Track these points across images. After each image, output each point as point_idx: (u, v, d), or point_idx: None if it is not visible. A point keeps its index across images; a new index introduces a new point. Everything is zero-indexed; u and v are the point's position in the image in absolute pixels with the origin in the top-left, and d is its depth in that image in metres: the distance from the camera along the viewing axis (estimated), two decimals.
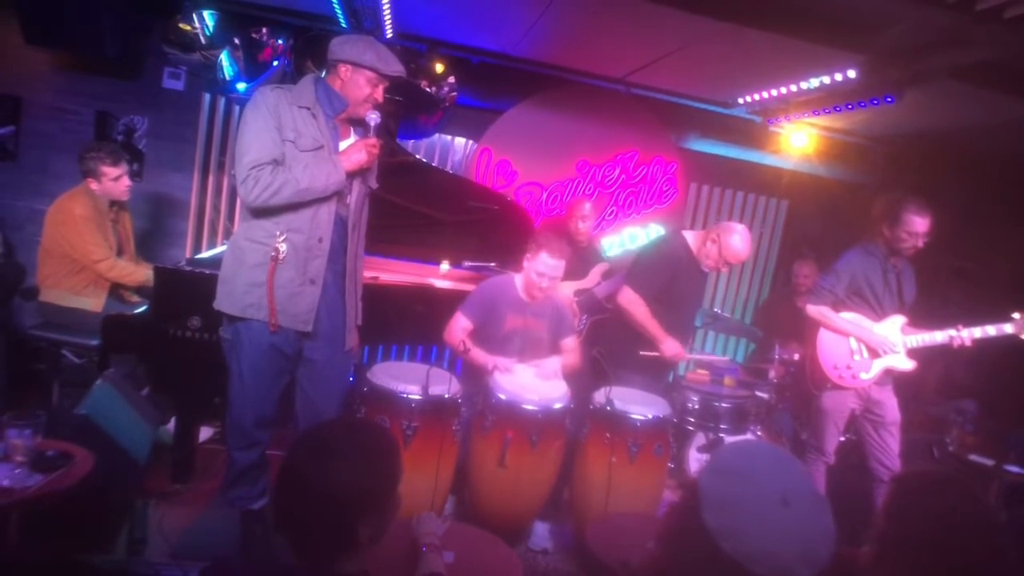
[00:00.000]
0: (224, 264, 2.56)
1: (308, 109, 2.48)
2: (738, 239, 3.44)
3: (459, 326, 3.30)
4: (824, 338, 3.49)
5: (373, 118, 2.53)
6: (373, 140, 2.53)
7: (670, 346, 3.48)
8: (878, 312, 3.44)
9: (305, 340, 2.59)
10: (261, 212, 2.45)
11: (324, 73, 2.57)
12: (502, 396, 2.92)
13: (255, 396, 2.56)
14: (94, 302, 3.58)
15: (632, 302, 3.46)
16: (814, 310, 3.46)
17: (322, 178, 2.42)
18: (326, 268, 2.54)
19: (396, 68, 2.52)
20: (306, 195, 2.42)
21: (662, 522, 1.25)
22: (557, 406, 2.95)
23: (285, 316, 2.49)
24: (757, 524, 1.05)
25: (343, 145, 2.57)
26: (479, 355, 3.19)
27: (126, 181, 3.71)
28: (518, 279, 3.40)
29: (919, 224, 3.26)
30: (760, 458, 1.16)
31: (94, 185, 3.62)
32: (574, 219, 4.48)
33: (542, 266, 3.22)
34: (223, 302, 2.52)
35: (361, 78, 2.48)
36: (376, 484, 1.32)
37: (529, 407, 2.89)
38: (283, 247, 2.44)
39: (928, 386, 4.68)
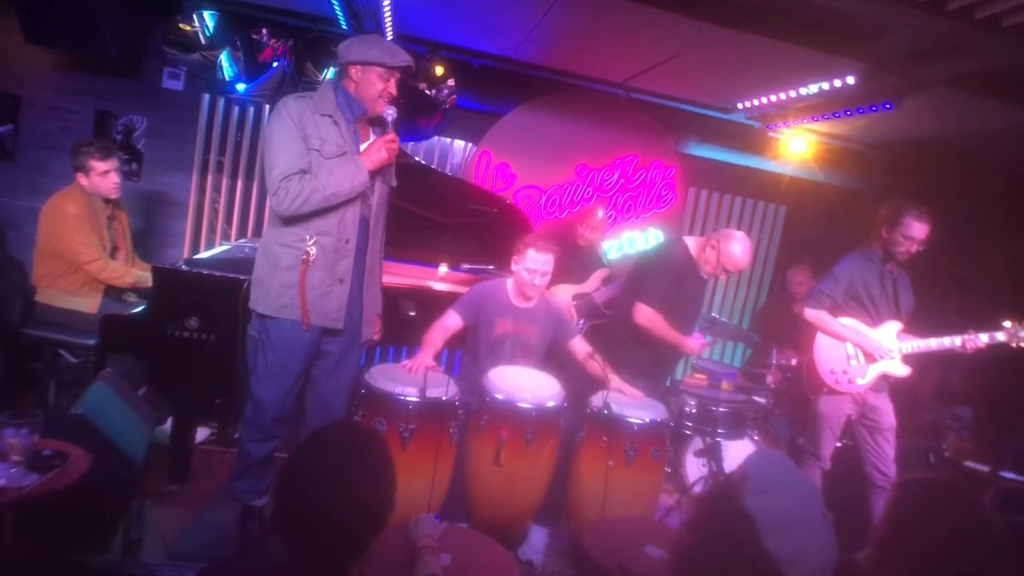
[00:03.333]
0: (257, 267, 2.65)
1: (330, 116, 2.53)
2: (738, 247, 3.43)
3: (445, 323, 3.24)
4: (821, 343, 3.50)
5: (390, 113, 2.58)
6: (391, 135, 2.59)
7: (690, 343, 3.49)
8: (874, 317, 3.45)
9: (326, 335, 2.68)
10: (292, 218, 2.52)
11: (338, 79, 2.62)
12: (498, 396, 2.91)
13: (279, 392, 2.64)
14: (89, 303, 3.56)
15: (651, 319, 3.43)
16: (812, 314, 3.46)
17: (347, 181, 2.49)
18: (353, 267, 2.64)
19: (403, 59, 2.57)
20: (334, 199, 2.49)
21: (693, 512, 1.25)
22: (551, 404, 2.95)
23: (317, 315, 2.59)
24: (805, 530, 1.07)
25: (364, 147, 2.62)
26: (421, 361, 3.01)
27: (114, 178, 3.68)
28: (509, 283, 3.36)
29: (917, 230, 3.28)
30: (795, 471, 1.20)
31: (83, 180, 3.61)
32: (585, 225, 4.45)
33: (531, 263, 3.20)
34: (258, 303, 2.61)
35: (371, 75, 2.54)
36: (378, 496, 1.33)
37: (523, 405, 2.89)
38: (313, 250, 2.53)
39: (924, 392, 4.70)
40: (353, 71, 2.54)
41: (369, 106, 2.57)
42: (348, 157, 2.52)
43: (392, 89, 2.57)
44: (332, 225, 2.55)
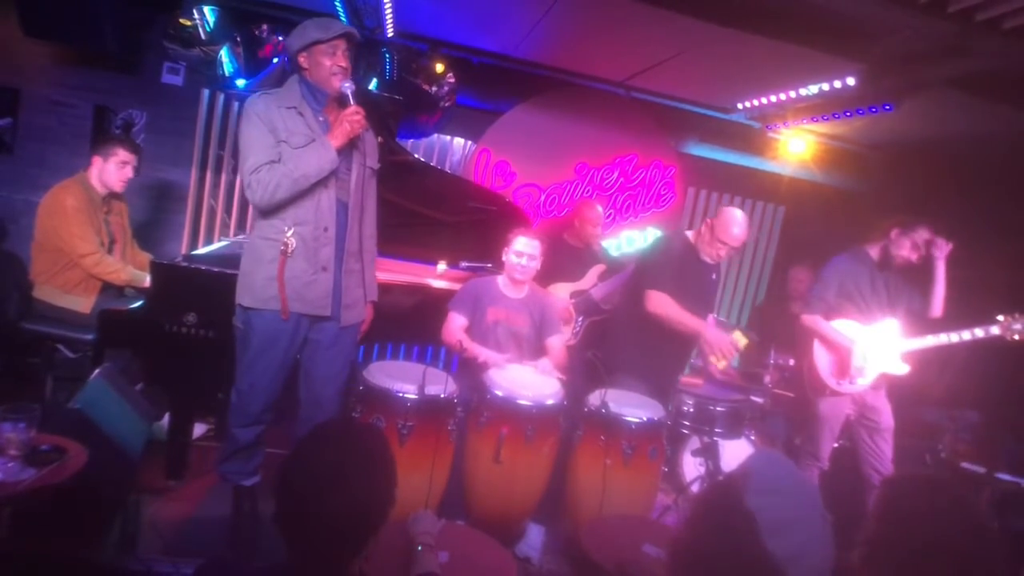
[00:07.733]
0: (243, 261, 2.68)
1: (295, 108, 2.57)
2: (728, 216, 3.37)
3: (455, 325, 3.36)
4: (820, 345, 3.50)
5: (348, 87, 2.57)
6: (353, 107, 2.56)
7: (710, 328, 3.36)
8: (868, 316, 3.46)
9: (313, 323, 2.70)
10: (270, 211, 2.56)
11: (299, 74, 2.65)
12: (499, 393, 2.93)
13: (265, 381, 2.67)
14: (83, 302, 3.54)
15: (661, 303, 3.35)
16: (808, 320, 3.49)
17: (314, 160, 2.50)
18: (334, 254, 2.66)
19: (337, 28, 2.57)
20: (304, 181, 2.51)
21: (693, 510, 1.25)
22: (550, 402, 2.96)
23: (303, 303, 2.62)
24: (804, 530, 1.07)
25: None
26: (474, 349, 3.26)
27: (128, 172, 3.73)
28: (500, 278, 3.49)
29: (926, 242, 3.37)
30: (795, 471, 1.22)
31: (97, 165, 3.63)
32: (582, 221, 4.45)
33: (520, 246, 3.36)
34: (244, 296, 2.64)
35: (316, 56, 2.56)
36: (377, 492, 1.34)
37: (524, 402, 2.90)
38: (293, 240, 2.56)
39: (934, 395, 4.67)
40: (302, 59, 2.58)
41: (325, 86, 2.59)
42: (317, 143, 2.54)
43: (341, 62, 2.57)
44: (309, 214, 2.58)
